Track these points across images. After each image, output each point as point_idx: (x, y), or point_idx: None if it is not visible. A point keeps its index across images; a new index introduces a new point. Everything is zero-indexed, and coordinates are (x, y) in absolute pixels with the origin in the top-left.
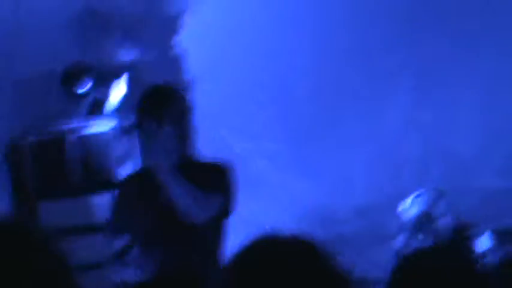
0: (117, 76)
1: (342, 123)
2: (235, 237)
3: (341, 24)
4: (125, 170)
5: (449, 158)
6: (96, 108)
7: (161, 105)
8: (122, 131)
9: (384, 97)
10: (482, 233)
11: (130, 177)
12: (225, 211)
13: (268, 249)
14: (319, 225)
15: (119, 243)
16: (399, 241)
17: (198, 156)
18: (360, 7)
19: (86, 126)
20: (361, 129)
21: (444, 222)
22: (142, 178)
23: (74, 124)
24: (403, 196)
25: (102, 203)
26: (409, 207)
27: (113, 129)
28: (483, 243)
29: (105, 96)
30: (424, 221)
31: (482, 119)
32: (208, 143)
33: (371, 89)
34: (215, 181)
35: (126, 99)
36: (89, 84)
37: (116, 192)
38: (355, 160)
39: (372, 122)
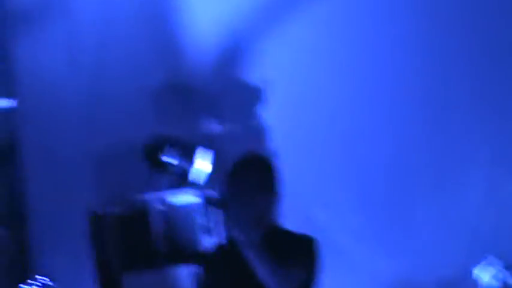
0: (201, 148)
1: (421, 200)
2: None
3: (418, 104)
4: (209, 242)
5: None
6: (179, 179)
7: (254, 174)
8: (206, 203)
9: (462, 173)
10: None
11: (216, 249)
12: (306, 284)
13: None
14: None
15: None
16: None
17: (282, 226)
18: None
19: (169, 198)
20: (439, 205)
21: None
22: (228, 249)
23: (157, 195)
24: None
25: (186, 274)
26: (481, 274)
27: (197, 200)
28: None
29: (188, 168)
30: None
31: None
32: (290, 214)
33: (450, 164)
34: (299, 253)
35: (210, 171)
36: (173, 156)
37: (203, 264)
38: (434, 235)
39: (450, 198)
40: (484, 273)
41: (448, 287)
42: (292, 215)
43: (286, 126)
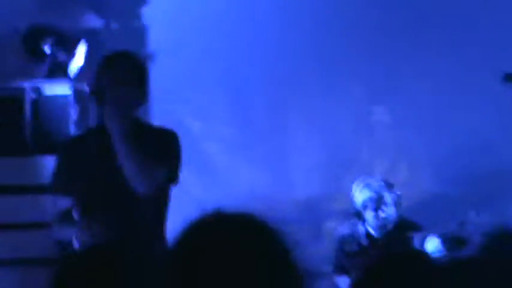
0: (80, 41)
1: (292, 116)
2: (178, 215)
3: (303, 22)
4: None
5: (396, 158)
6: (56, 70)
7: (121, 69)
8: (80, 95)
9: (336, 94)
10: (425, 237)
11: (75, 139)
12: (170, 179)
13: (218, 226)
14: (260, 213)
15: (63, 204)
16: (343, 227)
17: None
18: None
19: (44, 87)
20: (310, 124)
21: (389, 213)
22: (88, 140)
23: (31, 83)
24: (343, 193)
25: (52, 165)
26: (358, 192)
27: (71, 92)
28: (429, 246)
29: (65, 60)
30: (369, 206)
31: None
32: (159, 116)
33: (324, 85)
34: (164, 147)
35: (86, 64)
36: (51, 46)
37: (59, 153)
38: (302, 155)
39: (322, 118)
40: (361, 191)
41: (307, 208)
42: (162, 119)
43: (167, 27)
